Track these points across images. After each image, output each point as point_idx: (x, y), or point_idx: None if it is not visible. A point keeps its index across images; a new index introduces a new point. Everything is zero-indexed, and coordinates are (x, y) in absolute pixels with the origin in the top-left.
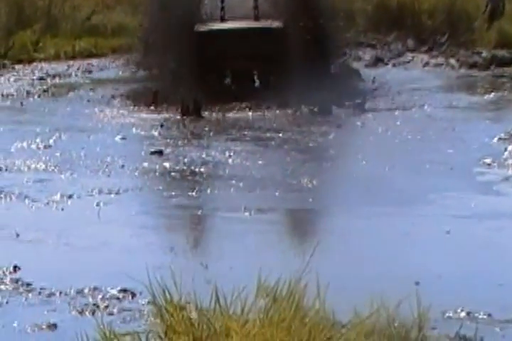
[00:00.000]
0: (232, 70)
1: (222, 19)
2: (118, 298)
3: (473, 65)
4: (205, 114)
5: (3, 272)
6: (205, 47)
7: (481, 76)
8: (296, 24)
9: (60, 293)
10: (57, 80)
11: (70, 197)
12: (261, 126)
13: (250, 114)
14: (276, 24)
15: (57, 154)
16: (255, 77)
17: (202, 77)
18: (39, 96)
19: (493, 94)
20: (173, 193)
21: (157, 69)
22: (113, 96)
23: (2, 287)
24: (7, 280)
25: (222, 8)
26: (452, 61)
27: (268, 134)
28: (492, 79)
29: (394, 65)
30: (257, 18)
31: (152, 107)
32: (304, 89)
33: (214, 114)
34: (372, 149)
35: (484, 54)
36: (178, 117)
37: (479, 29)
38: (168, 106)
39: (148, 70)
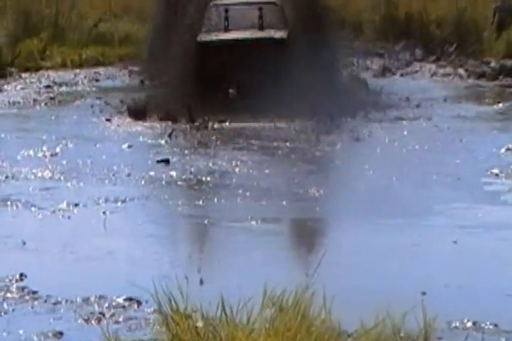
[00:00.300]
0: (237, 80)
1: (227, 29)
2: (124, 307)
3: (481, 75)
4: (211, 123)
5: (10, 280)
6: (209, 57)
7: (489, 86)
8: (303, 34)
9: (66, 301)
10: (64, 88)
11: (76, 205)
12: (268, 135)
13: (257, 123)
14: (281, 34)
15: (64, 162)
16: (260, 87)
17: (206, 87)
18: (46, 105)
19: (501, 104)
20: (180, 202)
21: (162, 79)
22: (120, 105)
23: (8, 295)
24: (13, 288)
25: (227, 18)
26: (460, 71)
27: (275, 144)
28: (500, 89)
29: (402, 75)
30: (261, 28)
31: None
32: (310, 99)
33: (220, 124)
34: (379, 159)
35: (493, 64)
36: (185, 126)
37: (488, 39)
38: (175, 115)
39: (154, 80)
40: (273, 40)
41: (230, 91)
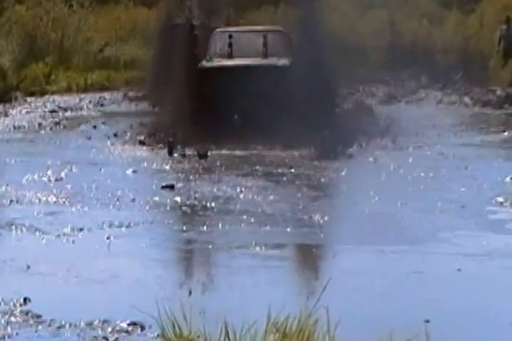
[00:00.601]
0: (241, 107)
1: (230, 56)
2: (127, 331)
3: (487, 103)
4: (215, 150)
5: (14, 304)
6: (211, 83)
7: (495, 114)
8: (308, 61)
9: (70, 325)
10: (69, 113)
11: (81, 230)
12: (272, 161)
13: (261, 150)
14: (284, 61)
15: (68, 187)
16: (264, 115)
17: (209, 114)
18: (51, 129)
19: (506, 132)
20: (184, 227)
21: (165, 105)
22: (125, 130)
23: (12, 319)
24: (17, 312)
25: (230, 45)
26: (466, 99)
27: (279, 170)
28: (506, 117)
29: (407, 102)
30: (265, 56)
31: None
32: (316, 125)
33: (224, 150)
34: (384, 186)
35: (498, 92)
36: (187, 153)
37: (493, 67)
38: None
39: (157, 106)
40: (275, 68)
41: (234, 118)
